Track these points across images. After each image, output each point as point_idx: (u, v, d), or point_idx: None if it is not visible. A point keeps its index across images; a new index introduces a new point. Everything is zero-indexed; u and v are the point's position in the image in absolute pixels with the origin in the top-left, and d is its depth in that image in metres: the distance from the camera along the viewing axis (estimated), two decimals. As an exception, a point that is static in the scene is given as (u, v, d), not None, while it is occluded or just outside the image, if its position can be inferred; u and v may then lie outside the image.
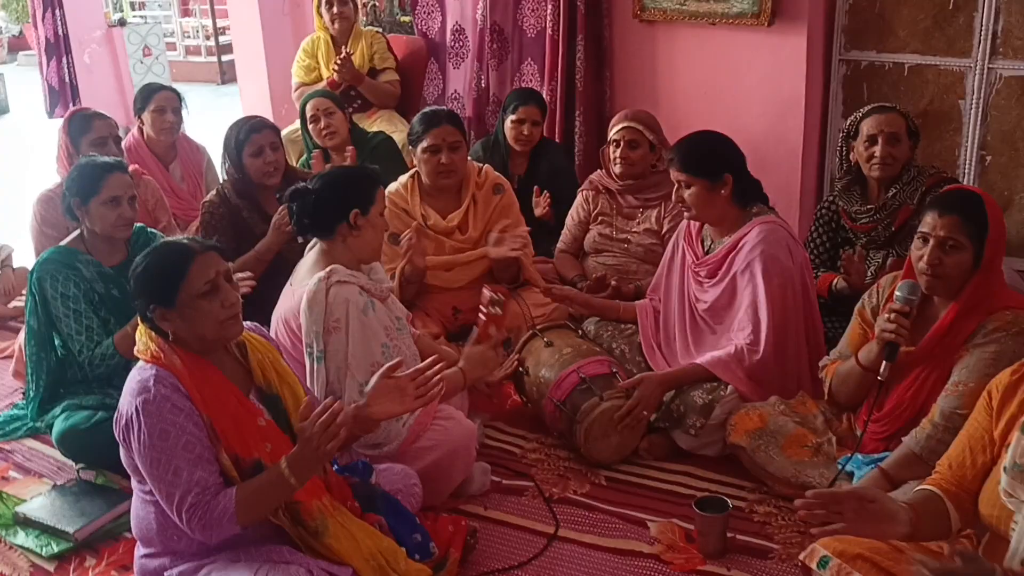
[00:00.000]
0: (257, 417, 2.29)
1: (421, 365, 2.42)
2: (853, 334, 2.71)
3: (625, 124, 3.73)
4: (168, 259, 2.24)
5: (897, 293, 2.47)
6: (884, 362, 2.45)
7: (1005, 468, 1.88)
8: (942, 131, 4.11)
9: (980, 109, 4.00)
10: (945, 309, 2.49)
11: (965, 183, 4.05)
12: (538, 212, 4.09)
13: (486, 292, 2.95)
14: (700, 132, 3.16)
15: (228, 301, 2.25)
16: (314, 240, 2.90)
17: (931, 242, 2.42)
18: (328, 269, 2.69)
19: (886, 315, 2.46)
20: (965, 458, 2.02)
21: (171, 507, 2.15)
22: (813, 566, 2.05)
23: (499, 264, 3.63)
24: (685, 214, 3.14)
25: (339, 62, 4.94)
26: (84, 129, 3.97)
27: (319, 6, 5.21)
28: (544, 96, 4.58)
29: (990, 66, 3.94)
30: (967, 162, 4.08)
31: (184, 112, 4.53)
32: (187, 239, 2.33)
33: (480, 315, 2.95)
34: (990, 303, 2.42)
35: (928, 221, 2.44)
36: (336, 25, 5.17)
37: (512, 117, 4.24)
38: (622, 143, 3.72)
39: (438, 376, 2.43)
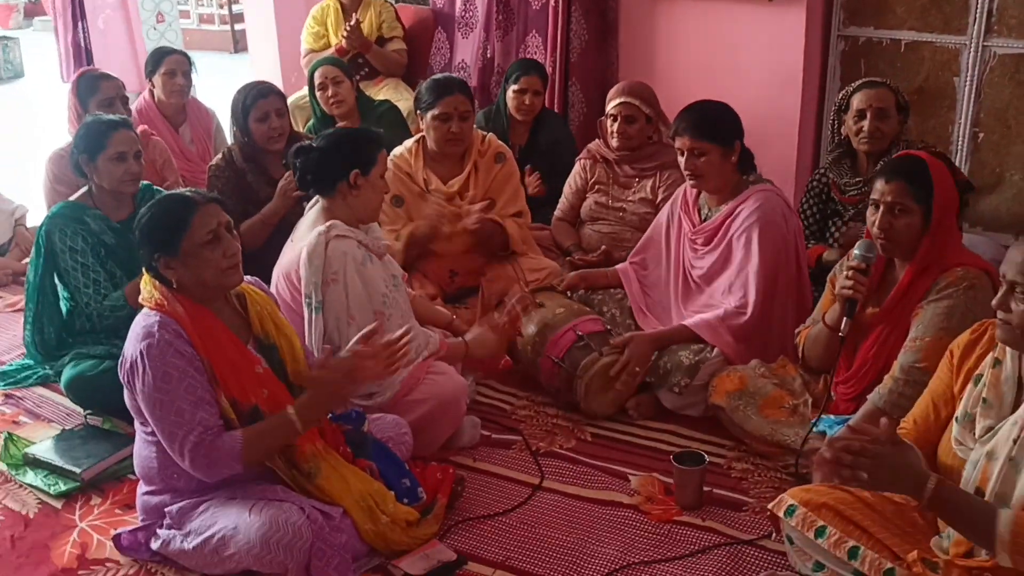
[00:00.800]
0: (255, 364, 2.40)
1: (393, 336, 2.47)
2: (825, 301, 2.80)
3: (622, 99, 3.80)
4: (172, 209, 2.35)
5: (855, 251, 2.57)
6: (844, 319, 2.55)
7: (956, 418, 1.99)
8: (936, 108, 4.17)
9: (974, 86, 4.05)
10: (903, 271, 2.59)
11: (957, 160, 4.12)
12: (530, 191, 4.17)
13: (519, 295, 3.14)
14: (705, 101, 3.21)
15: (229, 251, 2.35)
16: (315, 199, 3.00)
17: (881, 208, 2.53)
18: (328, 224, 2.79)
19: (845, 273, 2.56)
20: (929, 413, 2.12)
21: (173, 446, 2.27)
22: (780, 514, 2.16)
23: (481, 235, 3.68)
24: (689, 182, 3.19)
25: (348, 29, 5.02)
26: (92, 90, 4.08)
27: None
28: (547, 67, 4.66)
29: (985, 44, 3.99)
30: (960, 139, 4.14)
31: (194, 75, 4.62)
32: (190, 191, 2.43)
33: (507, 306, 3.10)
34: (943, 261, 2.51)
35: (877, 188, 2.55)
36: None
37: (514, 87, 4.32)
38: (619, 118, 3.79)
39: (405, 347, 2.49)
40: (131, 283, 3.19)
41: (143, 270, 2.40)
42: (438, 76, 3.85)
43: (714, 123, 3.09)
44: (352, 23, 5.03)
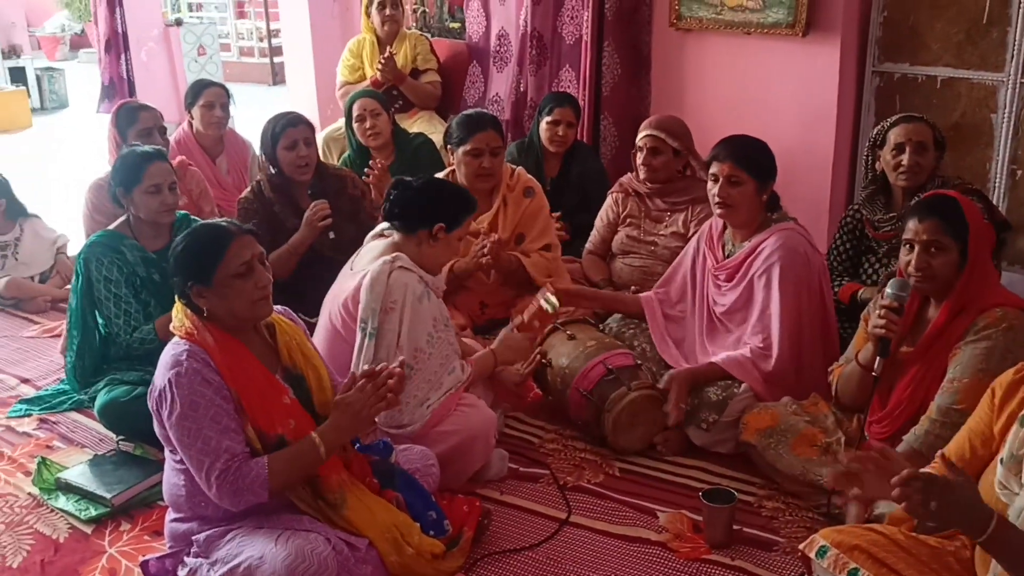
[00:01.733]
0: (283, 395, 2.42)
1: (376, 368, 2.45)
2: (859, 339, 2.77)
3: (648, 132, 3.83)
4: (208, 239, 2.38)
5: (887, 290, 2.54)
6: (877, 358, 2.52)
7: (1002, 460, 1.94)
8: (973, 145, 4.14)
9: (1012, 123, 4.02)
10: (939, 310, 2.56)
11: (995, 197, 4.07)
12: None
13: (544, 290, 3.12)
14: (748, 136, 3.19)
15: (261, 282, 2.38)
16: (379, 230, 3.06)
17: (916, 248, 2.51)
18: (394, 255, 2.84)
19: (877, 312, 2.53)
20: (965, 451, 2.08)
21: (200, 474, 2.28)
22: (812, 555, 2.12)
23: (500, 268, 3.71)
24: (716, 211, 3.16)
25: (383, 61, 5.09)
26: (130, 120, 4.17)
27: (368, 7, 5.38)
28: (579, 101, 4.69)
29: (1022, 81, 3.96)
30: (998, 175, 4.10)
31: (232, 108, 4.70)
32: (225, 222, 2.46)
33: (530, 306, 3.09)
34: (981, 301, 2.48)
35: (911, 227, 2.53)
36: (386, 27, 5.33)
37: (548, 118, 4.35)
38: (645, 150, 3.82)
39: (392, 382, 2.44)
40: (162, 317, 3.24)
41: (175, 300, 2.43)
42: (470, 112, 3.89)
43: (757, 157, 3.09)
44: (387, 55, 5.11)
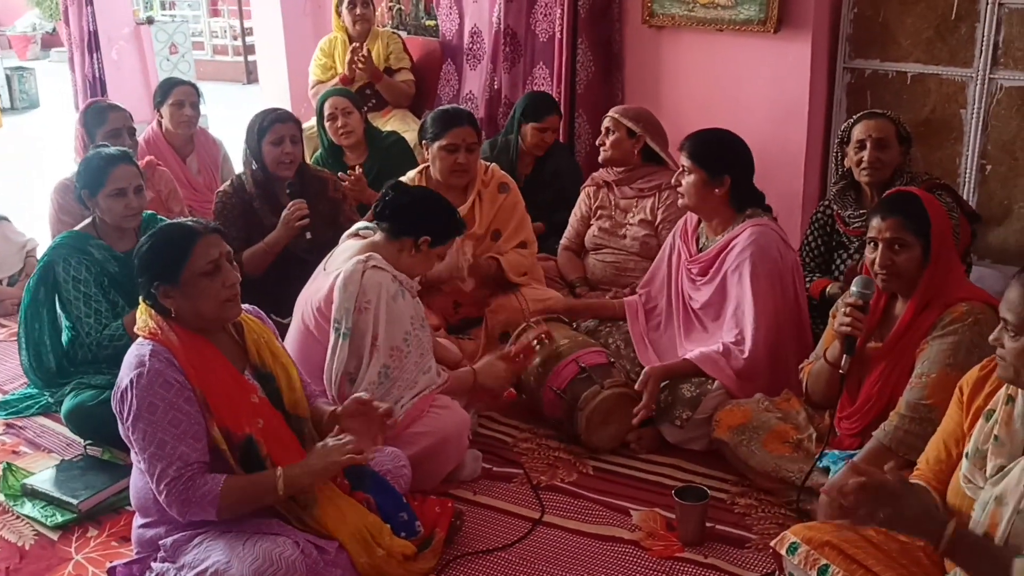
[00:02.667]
0: (251, 393, 2.39)
1: (377, 402, 2.53)
2: (828, 336, 2.78)
3: (608, 116, 3.94)
4: (174, 238, 2.35)
5: (852, 288, 2.56)
6: (844, 356, 2.53)
7: (967, 454, 1.95)
8: (943, 140, 4.16)
9: (981, 119, 4.04)
10: (906, 306, 2.57)
11: (965, 192, 4.10)
12: None
13: (535, 329, 3.14)
14: (720, 130, 3.25)
15: (228, 281, 2.35)
16: (355, 229, 3.05)
17: (880, 245, 2.53)
18: (367, 254, 2.82)
19: (843, 310, 2.54)
20: (941, 453, 2.09)
21: (152, 478, 2.25)
22: (783, 552, 2.12)
23: (479, 274, 3.70)
24: (679, 201, 3.22)
25: (355, 57, 5.04)
26: (99, 121, 4.11)
27: (339, 6, 5.34)
28: (557, 99, 4.69)
29: (991, 76, 3.98)
30: (967, 171, 4.12)
31: (202, 106, 4.65)
32: (191, 221, 2.43)
33: (523, 340, 3.10)
34: (947, 296, 2.49)
35: (874, 225, 2.55)
36: (356, 27, 5.29)
37: (537, 124, 4.33)
38: (602, 132, 3.90)
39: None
40: (130, 313, 3.19)
41: (140, 300, 2.40)
42: (446, 107, 3.87)
43: (707, 150, 3.12)
44: (361, 51, 5.06)
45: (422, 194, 3.02)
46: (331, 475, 2.39)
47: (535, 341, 3.09)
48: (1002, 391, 1.96)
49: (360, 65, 5.07)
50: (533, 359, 3.14)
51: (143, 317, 2.36)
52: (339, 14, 5.35)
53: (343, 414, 2.51)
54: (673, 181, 3.20)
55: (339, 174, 4.12)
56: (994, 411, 1.95)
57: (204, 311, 2.33)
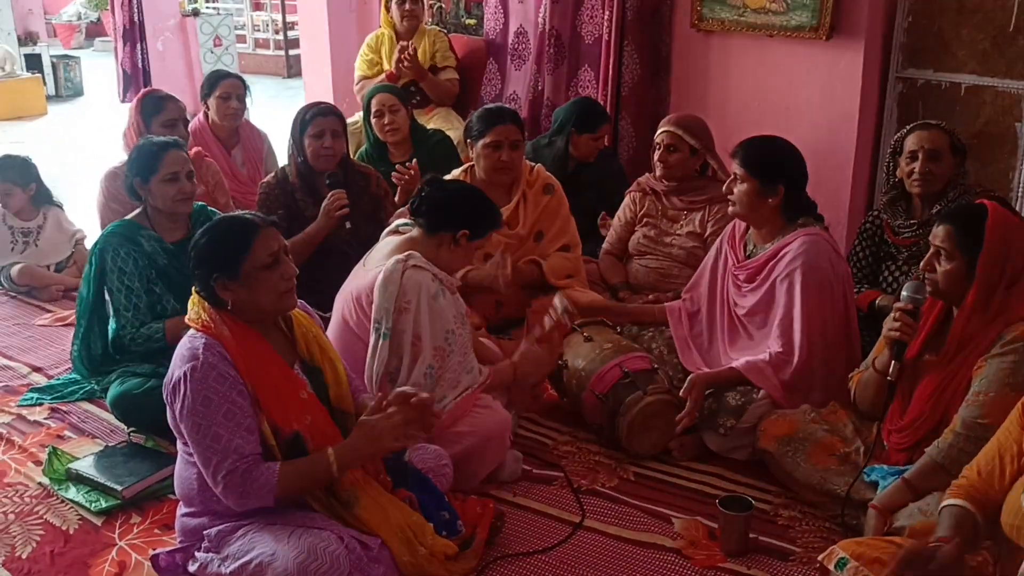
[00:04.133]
0: (300, 389, 2.40)
1: (408, 392, 2.44)
2: (879, 345, 2.74)
3: (665, 128, 3.80)
4: (234, 231, 2.36)
5: (903, 293, 2.53)
6: (892, 362, 2.50)
7: None
8: (997, 153, 4.09)
9: (1036, 132, 3.97)
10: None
11: (1018, 206, 4.03)
12: (604, 233, 4.17)
13: (559, 300, 3.10)
14: (775, 137, 3.21)
15: (287, 274, 2.37)
16: (394, 226, 3.04)
17: (931, 250, 2.52)
18: (407, 253, 2.81)
19: (892, 315, 2.51)
20: (994, 467, 2.06)
21: (208, 471, 2.26)
22: (831, 567, 2.09)
23: (521, 280, 3.67)
24: (730, 209, 3.19)
25: (403, 55, 5.05)
26: (156, 109, 4.15)
27: (388, 2, 5.35)
28: (602, 101, 4.67)
29: (1049, 89, 3.92)
30: (1021, 185, 4.05)
31: (248, 100, 4.69)
32: (249, 214, 2.44)
33: (548, 317, 3.06)
34: (1009, 314, 2.44)
35: (933, 230, 2.53)
36: (404, 23, 5.30)
37: (593, 135, 4.31)
38: (661, 146, 3.79)
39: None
40: (174, 319, 3.21)
41: (193, 292, 2.41)
42: (490, 105, 3.88)
43: (762, 159, 3.08)
44: (407, 48, 5.07)
45: (459, 188, 3.02)
46: (381, 456, 2.37)
47: (563, 314, 3.04)
48: None
49: (406, 63, 5.08)
50: (566, 331, 3.09)
51: (195, 309, 2.37)
52: (387, 9, 5.37)
53: (389, 406, 2.48)
54: (724, 189, 3.16)
55: (396, 166, 4.11)
56: None
57: (263, 303, 2.35)
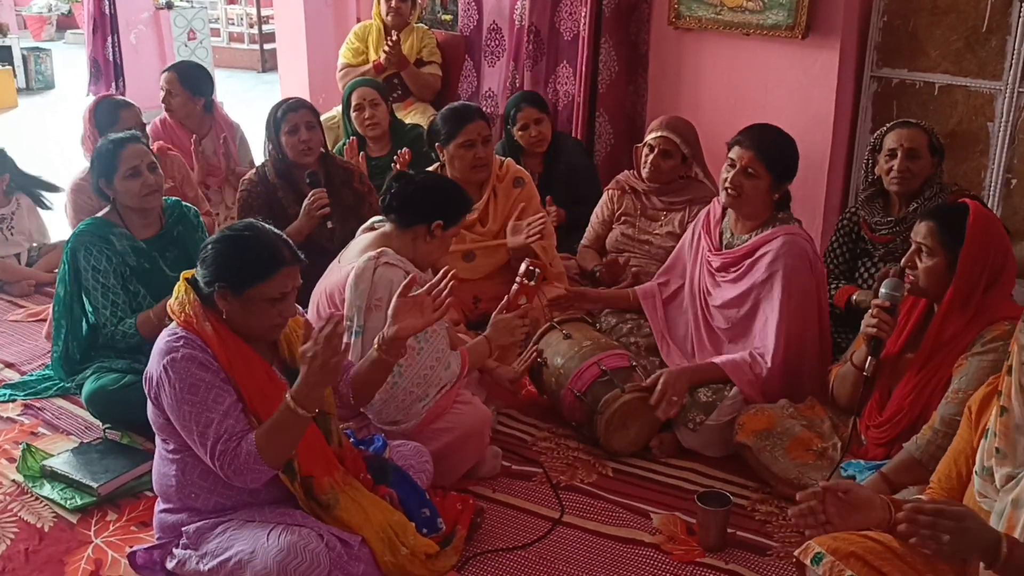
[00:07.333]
0: (283, 391, 2.36)
1: (434, 279, 2.53)
2: (858, 342, 2.77)
3: (663, 133, 3.78)
4: (262, 257, 2.29)
5: (881, 290, 2.56)
6: (869, 358, 2.52)
7: (976, 472, 1.95)
8: (969, 152, 4.14)
9: (1008, 132, 4.02)
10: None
11: (990, 205, 4.08)
12: (552, 222, 4.15)
13: (524, 264, 3.07)
14: (782, 131, 3.14)
15: (286, 313, 2.35)
16: (370, 223, 3.03)
17: (912, 247, 2.55)
18: (379, 250, 2.80)
19: (870, 311, 2.54)
20: (951, 471, 2.09)
21: (206, 456, 2.24)
22: (807, 562, 2.10)
23: (517, 254, 3.69)
24: (724, 198, 3.08)
25: (389, 45, 5.03)
26: (112, 120, 4.09)
27: None
28: (576, 97, 4.65)
29: (1020, 89, 3.95)
30: (992, 184, 4.10)
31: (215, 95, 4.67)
32: (284, 240, 2.36)
33: (515, 284, 3.05)
34: (990, 314, 2.48)
35: (915, 226, 2.57)
36: (390, 18, 5.29)
37: (517, 126, 4.25)
38: (656, 150, 3.78)
39: (449, 287, 2.55)
40: (144, 314, 3.20)
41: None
42: (454, 105, 3.85)
43: (780, 154, 3.04)
44: (392, 40, 5.06)
45: (426, 179, 2.99)
46: (332, 379, 2.28)
47: (526, 277, 3.02)
48: (995, 405, 1.95)
49: (386, 49, 5.06)
50: (532, 295, 3.08)
51: (180, 298, 2.32)
52: (378, 2, 5.35)
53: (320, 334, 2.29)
54: (732, 180, 3.02)
55: (396, 155, 4.10)
56: (990, 428, 1.94)
57: (251, 326, 2.32)
